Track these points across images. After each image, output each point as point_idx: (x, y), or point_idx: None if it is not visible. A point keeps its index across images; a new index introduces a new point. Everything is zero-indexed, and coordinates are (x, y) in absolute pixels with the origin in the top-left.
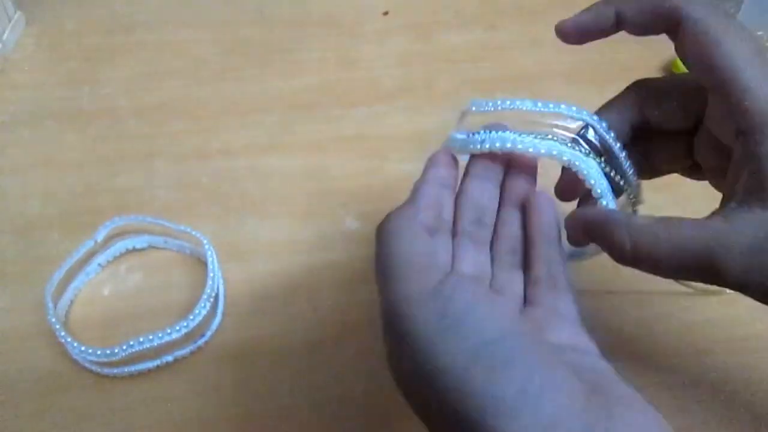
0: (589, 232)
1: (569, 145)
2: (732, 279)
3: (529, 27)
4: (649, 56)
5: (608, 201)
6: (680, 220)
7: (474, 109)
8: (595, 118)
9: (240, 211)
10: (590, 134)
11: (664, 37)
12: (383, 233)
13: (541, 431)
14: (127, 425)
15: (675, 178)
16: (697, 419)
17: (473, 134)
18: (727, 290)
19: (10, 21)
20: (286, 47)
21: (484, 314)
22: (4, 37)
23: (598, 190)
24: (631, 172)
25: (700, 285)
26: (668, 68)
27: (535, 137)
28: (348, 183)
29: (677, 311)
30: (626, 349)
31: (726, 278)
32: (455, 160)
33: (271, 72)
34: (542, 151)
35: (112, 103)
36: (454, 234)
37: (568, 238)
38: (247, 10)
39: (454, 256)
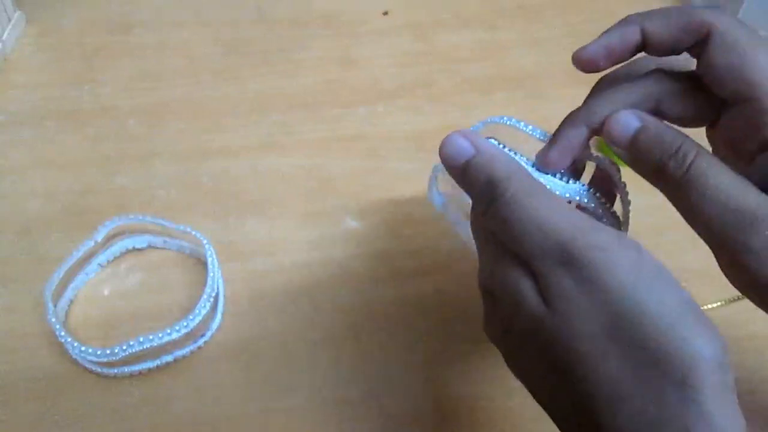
0: (650, 135)
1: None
2: (755, 245)
3: (529, 27)
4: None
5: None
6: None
7: (489, 121)
8: (583, 188)
9: (240, 211)
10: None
11: None
12: (513, 193)
13: (729, 390)
14: (127, 425)
15: None
16: None
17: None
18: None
19: (10, 21)
20: (286, 47)
21: (671, 276)
22: (4, 37)
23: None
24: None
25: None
26: None
27: (559, 178)
28: (348, 183)
29: None
30: None
31: (747, 251)
32: None
33: (271, 72)
34: (567, 195)
35: (112, 103)
36: None
37: (611, 135)
38: (247, 10)
39: None
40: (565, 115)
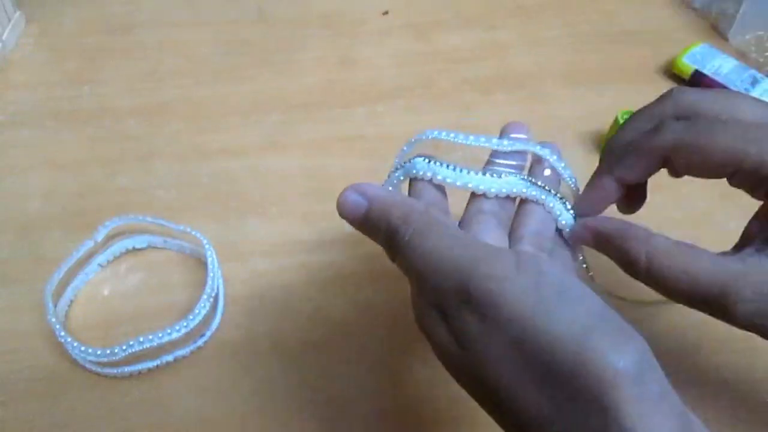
0: (602, 241)
1: (528, 180)
2: (741, 319)
3: (529, 27)
4: (650, 56)
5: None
6: (699, 251)
7: (422, 138)
8: (546, 149)
9: (240, 211)
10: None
11: (663, 37)
12: (410, 236)
13: (655, 401)
14: (127, 425)
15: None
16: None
17: (429, 161)
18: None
19: (10, 21)
20: (286, 47)
21: (581, 286)
22: (4, 37)
23: (563, 222)
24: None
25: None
26: (668, 68)
27: (491, 175)
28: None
29: (677, 311)
30: None
31: (734, 317)
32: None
33: (271, 72)
34: (503, 190)
35: (112, 103)
36: (473, 212)
37: (570, 239)
38: (247, 10)
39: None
40: (564, 115)
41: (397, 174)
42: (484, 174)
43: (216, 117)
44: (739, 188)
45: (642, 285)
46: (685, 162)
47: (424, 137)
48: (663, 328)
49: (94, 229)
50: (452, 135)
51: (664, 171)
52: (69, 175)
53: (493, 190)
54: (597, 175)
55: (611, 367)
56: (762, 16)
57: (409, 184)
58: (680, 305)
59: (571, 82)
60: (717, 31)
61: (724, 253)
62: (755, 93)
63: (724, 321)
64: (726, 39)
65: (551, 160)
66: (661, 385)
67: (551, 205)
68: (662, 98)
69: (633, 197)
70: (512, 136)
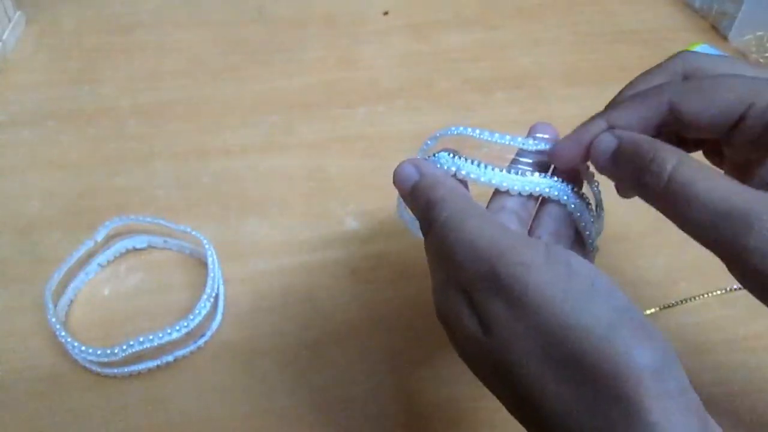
0: (626, 151)
1: (552, 180)
2: (751, 244)
3: (529, 27)
4: (649, 57)
5: (592, 240)
6: (725, 176)
7: (447, 133)
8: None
9: (240, 211)
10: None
11: (663, 37)
12: (450, 215)
13: (676, 397)
14: (127, 425)
15: None
16: None
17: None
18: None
19: (10, 21)
20: (286, 47)
21: (607, 282)
22: (4, 37)
23: (583, 225)
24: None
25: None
26: None
27: (515, 173)
28: (348, 183)
29: (677, 311)
30: None
31: (747, 251)
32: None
33: (271, 72)
34: (527, 188)
35: (112, 103)
36: (494, 210)
37: (594, 150)
38: (247, 10)
39: None
40: (564, 115)
41: None
42: (508, 172)
43: (216, 117)
44: (734, 149)
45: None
46: (690, 107)
47: (448, 133)
48: (665, 328)
49: (94, 229)
50: (478, 132)
51: None
52: (69, 175)
53: (516, 187)
54: (590, 118)
55: (636, 362)
56: (762, 16)
57: None
58: (682, 308)
59: (571, 82)
60: (717, 31)
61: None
62: None
63: (731, 260)
64: (726, 39)
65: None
66: (682, 383)
67: (572, 206)
68: (669, 58)
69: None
70: (538, 135)
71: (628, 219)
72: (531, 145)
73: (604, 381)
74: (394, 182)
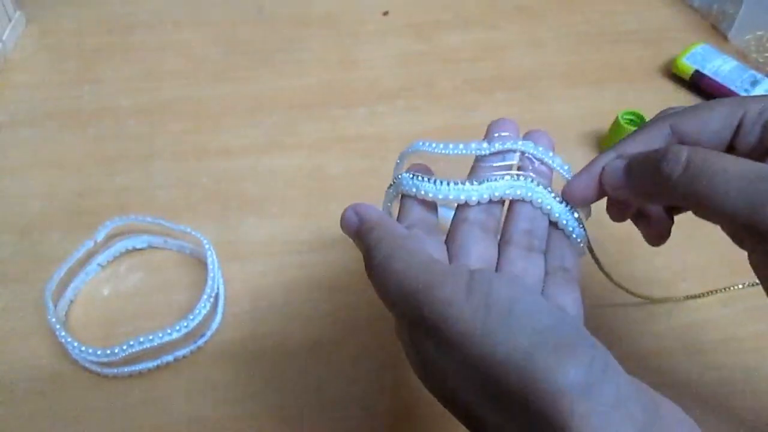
0: (637, 162)
1: (514, 178)
2: None
3: (529, 27)
4: (649, 57)
5: (573, 228)
6: (735, 156)
7: (420, 149)
8: (530, 144)
9: (240, 211)
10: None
11: (663, 37)
12: (378, 258)
13: (607, 411)
14: (127, 425)
15: None
16: (696, 419)
17: (420, 179)
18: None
19: (10, 21)
20: (286, 47)
21: (530, 304)
22: (4, 37)
23: (557, 215)
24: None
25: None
26: (668, 69)
27: (472, 183)
28: (348, 183)
29: (677, 311)
30: (625, 349)
31: None
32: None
33: (271, 72)
34: (484, 196)
35: (112, 103)
36: (505, 242)
37: (605, 180)
38: (247, 10)
39: (457, 249)
40: (564, 115)
41: (390, 190)
42: (463, 183)
43: (216, 117)
44: (741, 146)
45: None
46: (687, 128)
47: (411, 150)
48: (665, 328)
49: (94, 229)
50: (433, 146)
51: None
52: (69, 175)
53: (474, 197)
54: (602, 153)
55: (557, 385)
56: (762, 16)
57: (400, 201)
58: (684, 303)
59: (571, 82)
60: (717, 31)
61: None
62: (755, 93)
63: (754, 239)
64: (726, 39)
65: (535, 152)
66: (616, 392)
67: (539, 200)
68: (652, 121)
69: (659, 227)
70: (496, 135)
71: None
72: (485, 149)
73: (533, 408)
74: (341, 228)
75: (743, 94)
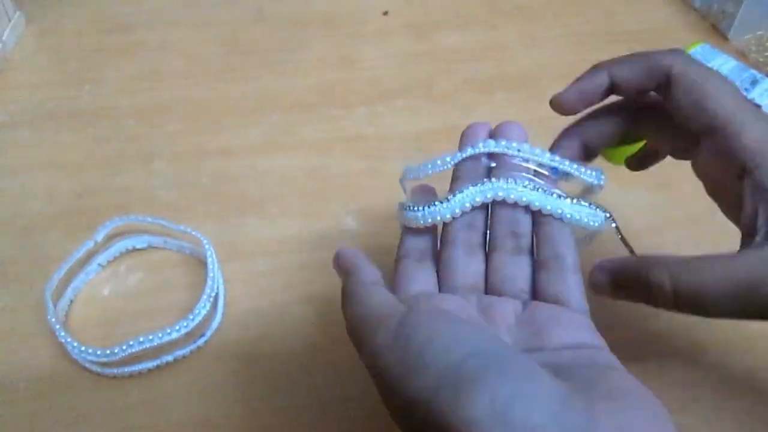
0: (620, 279)
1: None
2: None
3: (529, 27)
4: None
5: (561, 210)
6: (717, 255)
7: (410, 176)
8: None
9: (240, 211)
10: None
11: (663, 37)
12: (343, 302)
13: None
14: (127, 425)
15: (674, 178)
16: (696, 419)
17: (419, 208)
18: None
19: (10, 21)
20: (286, 47)
21: (448, 338)
22: (4, 37)
23: (524, 199)
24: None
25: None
26: None
27: (444, 200)
28: (348, 183)
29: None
30: (625, 349)
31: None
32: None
33: (271, 72)
34: (457, 210)
35: (112, 103)
36: (444, 244)
37: (594, 288)
38: (247, 10)
39: (445, 271)
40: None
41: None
42: (440, 202)
43: (216, 117)
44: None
45: None
46: (686, 90)
47: (406, 177)
48: (665, 328)
49: (94, 229)
50: (429, 166)
51: (664, 172)
52: (69, 175)
53: (448, 215)
54: (594, 68)
55: (461, 421)
56: (762, 16)
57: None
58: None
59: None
60: (717, 31)
61: (737, 252)
62: (755, 93)
63: (763, 317)
64: (726, 39)
65: (498, 149)
66: (526, 419)
67: (512, 196)
68: (664, 53)
69: (647, 153)
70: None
71: (627, 219)
72: (458, 157)
73: None
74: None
75: (743, 93)
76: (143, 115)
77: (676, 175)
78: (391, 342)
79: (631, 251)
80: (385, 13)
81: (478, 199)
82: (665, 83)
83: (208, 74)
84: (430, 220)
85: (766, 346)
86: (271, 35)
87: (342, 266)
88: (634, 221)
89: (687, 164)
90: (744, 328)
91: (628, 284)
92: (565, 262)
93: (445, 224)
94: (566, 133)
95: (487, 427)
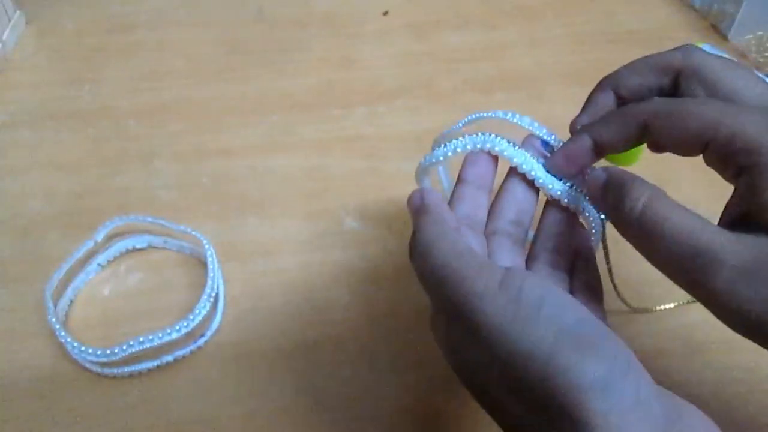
0: (612, 183)
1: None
2: (719, 285)
3: (529, 27)
4: None
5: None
6: (695, 214)
7: (425, 162)
8: (543, 130)
9: (240, 211)
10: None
11: (663, 37)
12: (422, 243)
13: (627, 410)
14: (127, 425)
15: (675, 177)
16: None
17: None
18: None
19: (10, 21)
20: (286, 47)
21: (559, 302)
22: (4, 37)
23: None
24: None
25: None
26: None
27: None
28: (348, 183)
29: (676, 311)
30: None
31: (713, 283)
32: (494, 160)
33: (271, 72)
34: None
35: (112, 103)
36: (491, 233)
37: (589, 191)
38: (247, 10)
39: (490, 254)
40: (564, 115)
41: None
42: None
43: (216, 117)
44: (711, 167)
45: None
46: (661, 129)
47: (425, 165)
48: (665, 328)
49: (94, 229)
50: (509, 115)
51: (663, 171)
52: (69, 175)
53: (440, 157)
54: (578, 133)
55: (577, 381)
56: (762, 16)
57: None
58: (682, 308)
59: (571, 82)
60: (717, 31)
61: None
62: None
63: (700, 293)
64: (726, 39)
65: (508, 117)
66: (636, 393)
67: (496, 148)
68: (673, 50)
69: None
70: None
71: None
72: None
73: (552, 403)
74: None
75: None
76: (143, 115)
77: (676, 174)
78: (496, 291)
79: (608, 262)
80: (385, 13)
81: (469, 147)
82: (675, 82)
83: (208, 74)
84: (450, 153)
85: None
86: (271, 35)
87: (421, 208)
88: None
89: (687, 164)
90: None
91: (612, 188)
92: (597, 293)
93: (494, 207)
94: (601, 86)
95: (599, 393)
